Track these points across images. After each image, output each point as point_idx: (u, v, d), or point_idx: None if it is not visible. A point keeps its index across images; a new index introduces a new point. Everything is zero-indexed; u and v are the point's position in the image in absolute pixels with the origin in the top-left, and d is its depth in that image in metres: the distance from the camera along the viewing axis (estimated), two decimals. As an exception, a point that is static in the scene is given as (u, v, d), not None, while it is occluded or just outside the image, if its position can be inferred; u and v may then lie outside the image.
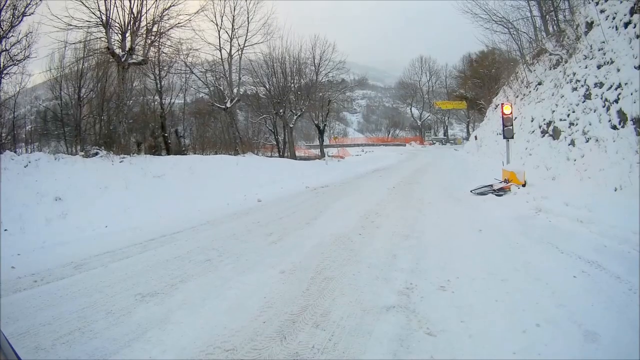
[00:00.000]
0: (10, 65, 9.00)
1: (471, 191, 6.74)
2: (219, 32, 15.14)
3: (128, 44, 10.78)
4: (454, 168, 13.48)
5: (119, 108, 11.28)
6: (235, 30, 15.24)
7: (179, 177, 9.17)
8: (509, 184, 6.31)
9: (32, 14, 8.62)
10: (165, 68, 16.34)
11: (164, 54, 13.49)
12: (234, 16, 15.17)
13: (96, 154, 12.26)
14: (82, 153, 12.78)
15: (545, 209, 4.96)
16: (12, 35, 8.54)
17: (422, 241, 4.14)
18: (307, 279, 3.13)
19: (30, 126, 15.40)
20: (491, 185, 6.58)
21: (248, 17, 15.16)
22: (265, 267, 3.46)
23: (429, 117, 44.58)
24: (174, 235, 4.89)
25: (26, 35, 8.91)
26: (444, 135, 43.30)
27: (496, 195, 6.25)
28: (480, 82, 29.19)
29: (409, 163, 17.90)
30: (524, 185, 6.30)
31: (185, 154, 18.84)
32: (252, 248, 4.15)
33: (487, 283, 2.90)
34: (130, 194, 7.44)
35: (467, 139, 36.32)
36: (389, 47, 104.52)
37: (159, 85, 16.26)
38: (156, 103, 16.84)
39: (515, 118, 13.37)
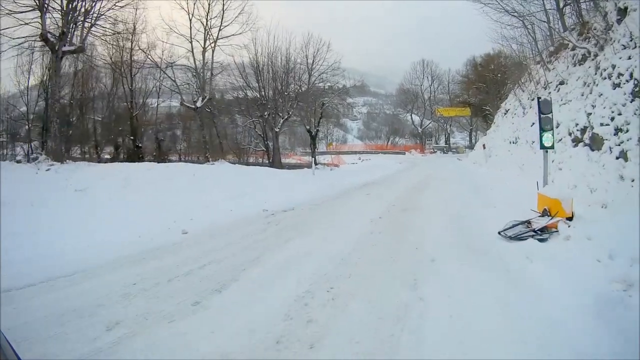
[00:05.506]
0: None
1: (499, 232, 4.39)
2: (190, 20, 13.24)
3: (60, 29, 8.90)
4: (462, 183, 11.16)
5: (51, 106, 9.32)
6: (210, 20, 13.37)
7: (106, 191, 7.18)
8: (555, 219, 4.08)
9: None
10: (137, 67, 14.71)
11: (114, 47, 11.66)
12: (209, 4, 13.30)
13: (36, 158, 10.56)
14: (19, 158, 11.44)
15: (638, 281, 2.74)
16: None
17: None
18: None
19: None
20: (528, 222, 4.35)
21: (223, 3, 13.27)
22: None
23: (430, 125, 42.66)
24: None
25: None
26: (446, 144, 41.18)
27: (539, 240, 4.00)
28: (486, 86, 27.46)
29: (407, 174, 15.73)
30: (570, 219, 4.15)
31: (166, 160, 17.09)
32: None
33: None
34: (29, 215, 5.56)
35: (470, 147, 34.27)
36: (392, 54, 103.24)
37: (129, 86, 14.60)
38: (127, 105, 15.34)
39: (533, 124, 11.33)
